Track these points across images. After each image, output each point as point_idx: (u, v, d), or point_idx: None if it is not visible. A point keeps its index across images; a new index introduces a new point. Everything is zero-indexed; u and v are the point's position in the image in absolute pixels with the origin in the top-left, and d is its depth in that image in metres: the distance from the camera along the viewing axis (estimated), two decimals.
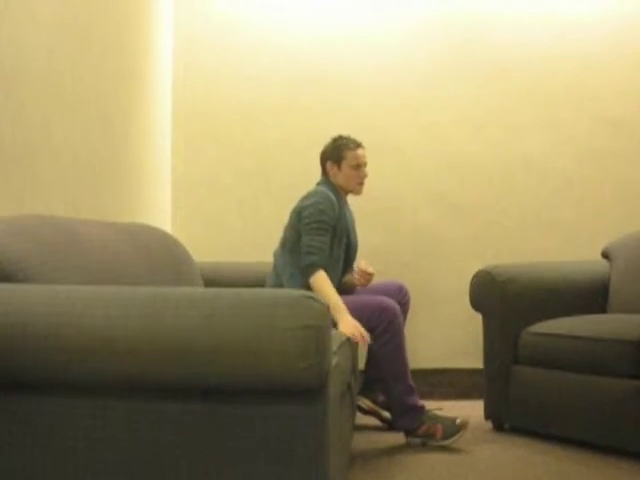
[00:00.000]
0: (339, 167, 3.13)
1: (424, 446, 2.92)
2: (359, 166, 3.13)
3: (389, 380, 2.91)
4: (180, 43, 4.13)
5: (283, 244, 3.08)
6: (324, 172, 3.19)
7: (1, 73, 2.13)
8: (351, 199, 4.08)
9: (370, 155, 4.12)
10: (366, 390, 3.28)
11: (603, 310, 3.31)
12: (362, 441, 3.04)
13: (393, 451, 2.85)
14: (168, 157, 4.08)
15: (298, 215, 3.03)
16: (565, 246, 4.09)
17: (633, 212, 4.07)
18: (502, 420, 3.17)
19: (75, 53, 2.71)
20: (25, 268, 1.71)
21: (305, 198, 3.04)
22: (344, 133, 4.10)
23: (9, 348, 1.49)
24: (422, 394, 3.99)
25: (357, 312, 2.91)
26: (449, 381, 4.02)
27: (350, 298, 2.98)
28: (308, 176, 4.10)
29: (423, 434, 2.91)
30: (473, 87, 4.12)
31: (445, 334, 4.07)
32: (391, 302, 2.92)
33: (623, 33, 4.11)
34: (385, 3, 4.12)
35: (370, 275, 3.11)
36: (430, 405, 3.74)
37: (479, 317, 4.05)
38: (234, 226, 4.08)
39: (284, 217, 4.07)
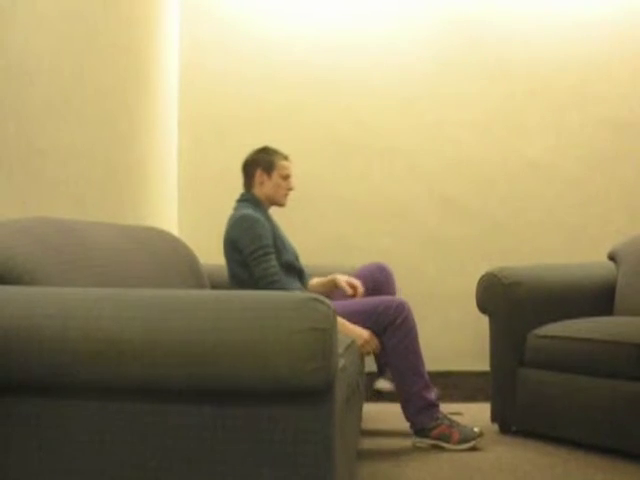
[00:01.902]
0: (269, 176, 3.16)
1: (432, 449, 2.91)
2: (288, 176, 3.18)
3: (408, 374, 2.90)
4: (186, 44, 4.14)
5: (232, 277, 3.08)
6: (249, 182, 3.19)
7: (7, 75, 2.14)
8: (357, 203, 4.08)
9: (376, 157, 4.12)
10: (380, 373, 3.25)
11: (610, 313, 3.30)
12: (369, 444, 3.04)
13: (399, 454, 2.85)
14: (174, 159, 4.08)
15: (233, 246, 3.03)
16: (571, 248, 4.08)
17: (639, 214, 4.06)
18: (508, 423, 3.16)
19: (81, 55, 2.71)
20: (32, 270, 1.72)
21: (234, 226, 3.02)
22: (349, 135, 4.10)
23: (16, 350, 1.49)
24: None
25: (373, 308, 2.93)
26: (455, 383, 4.01)
27: (362, 298, 3.01)
28: (313, 178, 4.10)
29: (438, 435, 2.90)
30: (478, 89, 4.12)
31: (451, 336, 4.06)
32: (403, 299, 2.96)
33: (629, 35, 4.10)
34: (391, 5, 4.12)
35: (356, 287, 3.12)
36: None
37: (485, 319, 4.04)
38: None
39: (291, 219, 4.07)
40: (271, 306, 1.47)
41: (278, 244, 3.07)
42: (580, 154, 4.11)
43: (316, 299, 1.48)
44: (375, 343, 2.92)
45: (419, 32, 4.12)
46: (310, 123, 4.12)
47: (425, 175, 4.11)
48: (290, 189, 3.20)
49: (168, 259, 2.72)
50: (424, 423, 2.90)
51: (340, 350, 2.03)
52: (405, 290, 4.04)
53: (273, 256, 2.99)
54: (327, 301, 1.50)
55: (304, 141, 4.12)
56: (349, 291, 3.11)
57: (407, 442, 3.04)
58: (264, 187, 3.16)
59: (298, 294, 1.50)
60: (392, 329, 2.90)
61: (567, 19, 4.11)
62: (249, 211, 3.04)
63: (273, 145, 4.09)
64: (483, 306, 3.26)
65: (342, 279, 3.16)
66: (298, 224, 4.10)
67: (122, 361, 1.47)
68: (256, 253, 2.96)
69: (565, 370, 2.94)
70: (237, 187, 4.13)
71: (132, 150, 3.32)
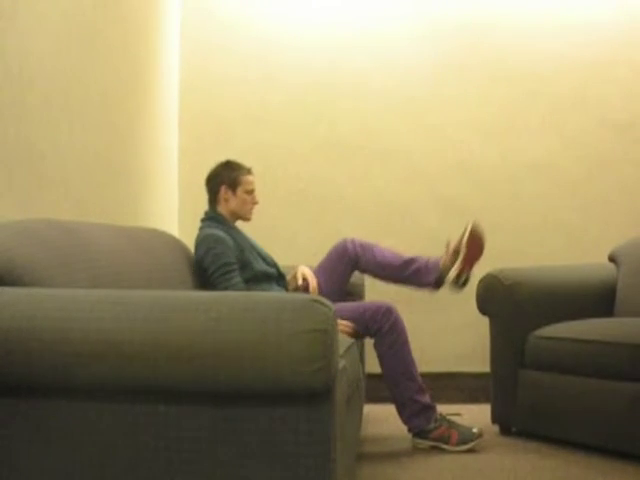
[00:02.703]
0: (234, 192, 3.13)
1: (433, 450, 2.90)
2: (253, 191, 3.16)
3: (401, 379, 2.89)
4: (187, 46, 4.14)
5: None
6: (213, 198, 3.17)
7: (8, 77, 2.14)
8: (357, 204, 4.07)
9: (377, 159, 4.11)
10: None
11: (610, 314, 3.30)
12: (369, 445, 3.04)
13: (400, 455, 2.85)
14: (175, 160, 4.08)
15: (200, 266, 3.02)
16: (572, 250, 4.07)
17: None
18: (509, 424, 3.16)
19: (81, 57, 2.71)
20: (32, 272, 1.72)
21: (198, 247, 3.01)
22: (350, 136, 4.10)
23: (17, 351, 1.49)
24: None
25: (360, 314, 2.92)
26: (456, 385, 4.01)
27: (350, 304, 3.01)
28: (315, 180, 4.10)
29: (438, 437, 2.89)
30: (480, 91, 4.12)
31: (452, 338, 4.06)
32: (391, 303, 2.95)
33: (630, 36, 4.10)
34: (392, 6, 4.12)
35: (304, 281, 3.16)
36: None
37: (486, 321, 4.03)
38: None
39: (290, 221, 4.06)
40: (272, 307, 1.47)
41: (247, 256, 3.04)
42: (581, 156, 4.11)
43: (316, 300, 1.48)
44: (349, 326, 2.89)
45: (420, 34, 4.12)
46: (311, 124, 4.12)
47: (426, 176, 4.11)
48: (255, 203, 3.18)
49: (168, 260, 2.72)
50: (421, 426, 2.90)
51: (340, 351, 2.03)
52: (405, 291, 4.03)
53: (236, 273, 2.96)
54: (328, 302, 1.50)
55: (305, 142, 4.12)
56: (299, 282, 3.14)
57: (407, 444, 3.04)
58: (229, 203, 3.13)
59: (299, 295, 1.50)
60: (380, 335, 2.90)
61: (568, 21, 4.11)
62: (212, 230, 3.02)
63: (274, 147, 4.09)
64: (484, 307, 3.26)
65: (300, 274, 3.18)
66: (298, 224, 4.10)
67: (123, 362, 1.47)
68: (218, 272, 2.94)
69: (566, 371, 2.94)
70: None
71: (133, 151, 3.32)
